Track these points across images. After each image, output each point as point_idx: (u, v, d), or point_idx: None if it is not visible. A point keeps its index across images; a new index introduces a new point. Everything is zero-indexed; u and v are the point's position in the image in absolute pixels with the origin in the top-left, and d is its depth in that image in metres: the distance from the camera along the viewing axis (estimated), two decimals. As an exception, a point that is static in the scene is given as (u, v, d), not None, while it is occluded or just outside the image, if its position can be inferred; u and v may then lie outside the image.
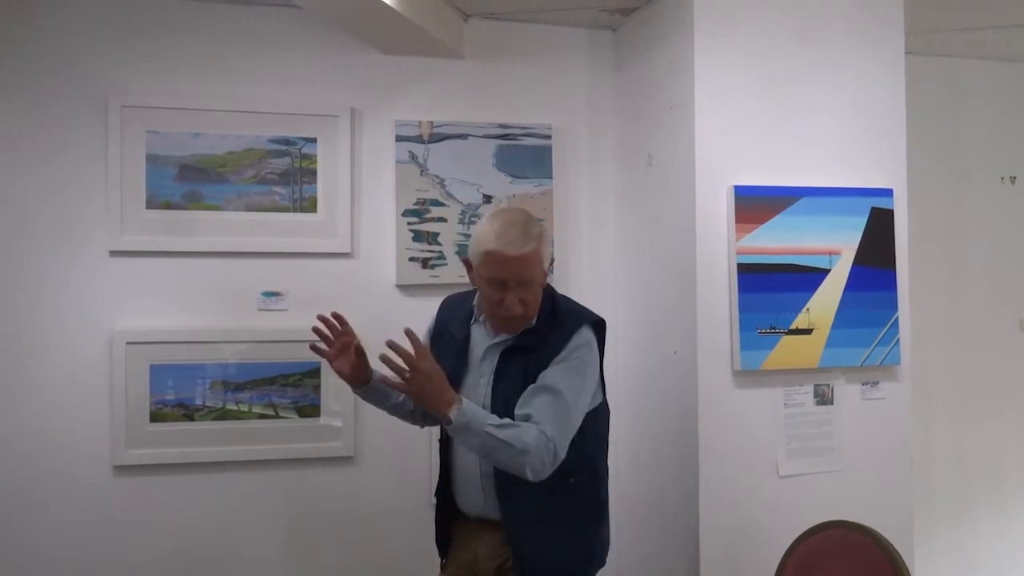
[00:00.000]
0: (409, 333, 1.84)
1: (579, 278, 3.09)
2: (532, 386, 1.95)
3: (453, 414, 1.83)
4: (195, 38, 2.81)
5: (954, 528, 3.41)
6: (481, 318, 2.12)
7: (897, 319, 2.65)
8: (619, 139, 3.09)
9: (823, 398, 2.61)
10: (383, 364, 1.82)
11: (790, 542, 2.27)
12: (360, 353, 2.10)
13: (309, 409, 2.84)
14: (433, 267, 2.92)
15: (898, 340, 2.65)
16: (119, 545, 2.73)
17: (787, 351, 2.53)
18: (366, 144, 2.92)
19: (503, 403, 1.97)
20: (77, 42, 2.73)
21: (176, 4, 2.80)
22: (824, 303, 2.57)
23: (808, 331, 2.56)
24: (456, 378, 2.05)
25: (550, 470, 1.88)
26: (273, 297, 2.85)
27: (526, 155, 3.00)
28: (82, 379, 2.70)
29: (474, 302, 2.14)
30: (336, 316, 2.10)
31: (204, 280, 2.80)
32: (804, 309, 2.56)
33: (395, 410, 2.27)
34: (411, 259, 2.90)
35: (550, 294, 2.08)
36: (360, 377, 2.12)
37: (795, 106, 2.61)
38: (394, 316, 2.91)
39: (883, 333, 2.63)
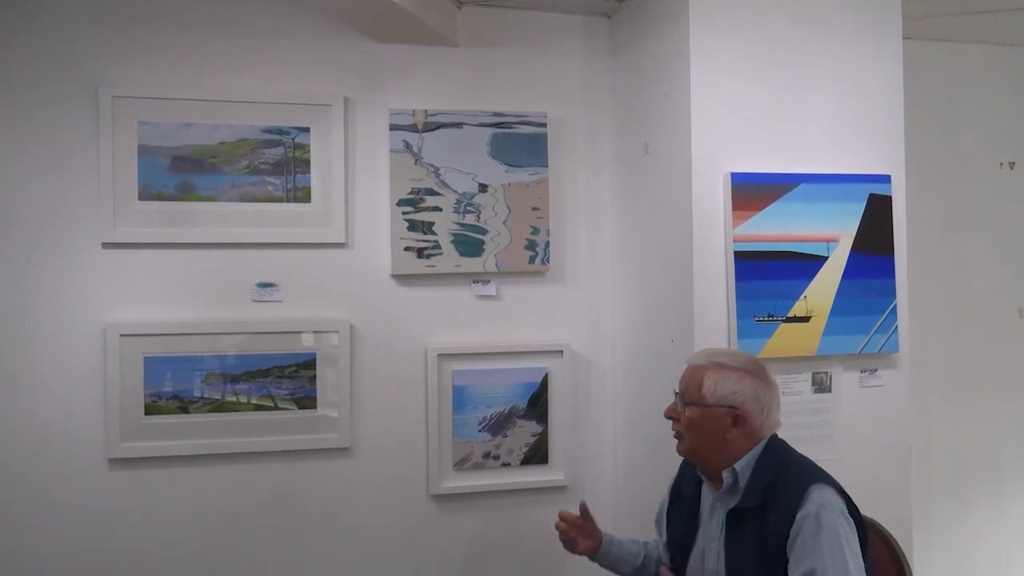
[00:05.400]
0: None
1: (575, 266, 3.08)
2: None
3: None
4: (187, 27, 2.78)
5: (952, 515, 3.41)
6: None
7: (895, 306, 2.63)
8: (615, 127, 3.07)
9: (821, 386, 2.60)
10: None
11: (788, 531, 2.25)
12: (587, 517, 2.27)
13: (305, 401, 2.83)
14: (428, 257, 2.90)
15: (896, 327, 2.63)
16: (114, 538, 2.72)
17: (785, 339, 2.51)
18: (360, 133, 2.90)
19: (735, 572, 1.87)
20: (66, 31, 2.70)
21: (167, -7, 2.78)
22: (822, 290, 2.56)
23: (806, 319, 2.55)
24: (687, 541, 2.03)
25: None
26: (268, 288, 2.83)
27: (521, 143, 2.97)
28: (76, 372, 2.69)
29: None
30: (561, 516, 2.28)
31: (198, 271, 2.78)
32: (802, 297, 2.54)
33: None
34: (406, 249, 2.89)
35: (780, 449, 1.97)
36: (596, 544, 2.24)
37: (792, 92, 2.58)
38: (390, 306, 2.92)
39: (881, 320, 2.62)
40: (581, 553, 2.25)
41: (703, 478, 2.04)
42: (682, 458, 2.11)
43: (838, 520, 1.78)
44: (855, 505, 1.86)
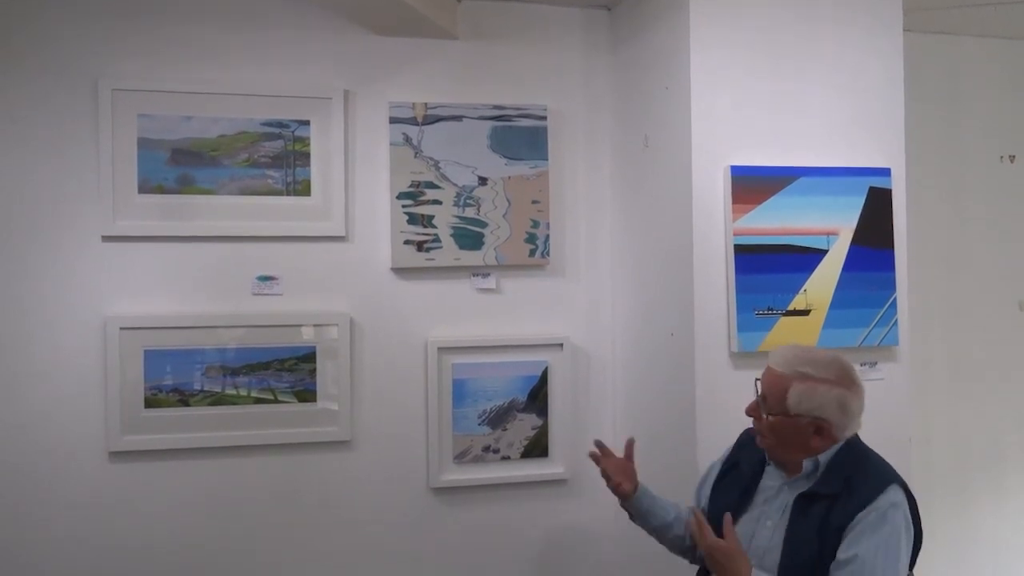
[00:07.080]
0: (696, 515, 1.97)
1: (575, 260, 3.07)
2: (838, 563, 1.81)
3: None
4: (186, 20, 2.78)
5: (952, 508, 3.41)
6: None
7: (895, 299, 2.63)
8: (615, 120, 3.07)
9: (821, 379, 2.59)
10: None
11: (788, 523, 2.26)
12: (630, 457, 2.26)
13: (305, 394, 2.83)
14: (428, 250, 2.90)
15: (896, 321, 2.63)
16: (114, 531, 2.72)
17: (785, 332, 2.51)
18: (360, 126, 2.89)
19: (793, 552, 1.89)
20: (66, 25, 2.69)
21: (166, -15, 2.77)
22: (822, 284, 2.56)
23: (806, 312, 2.55)
24: (734, 514, 2.01)
25: None
26: (268, 281, 2.83)
27: (521, 136, 2.97)
28: (76, 365, 2.69)
29: None
30: (597, 444, 2.30)
31: (198, 265, 2.78)
32: (802, 290, 2.54)
33: (666, 537, 2.23)
34: (406, 242, 2.88)
35: (859, 446, 1.98)
36: (631, 486, 2.20)
37: (792, 85, 2.58)
38: (390, 300, 2.92)
39: (881, 314, 2.62)
40: (618, 491, 2.21)
41: (771, 463, 2.05)
42: (739, 433, 2.19)
43: (902, 525, 1.83)
44: (918, 513, 1.91)
